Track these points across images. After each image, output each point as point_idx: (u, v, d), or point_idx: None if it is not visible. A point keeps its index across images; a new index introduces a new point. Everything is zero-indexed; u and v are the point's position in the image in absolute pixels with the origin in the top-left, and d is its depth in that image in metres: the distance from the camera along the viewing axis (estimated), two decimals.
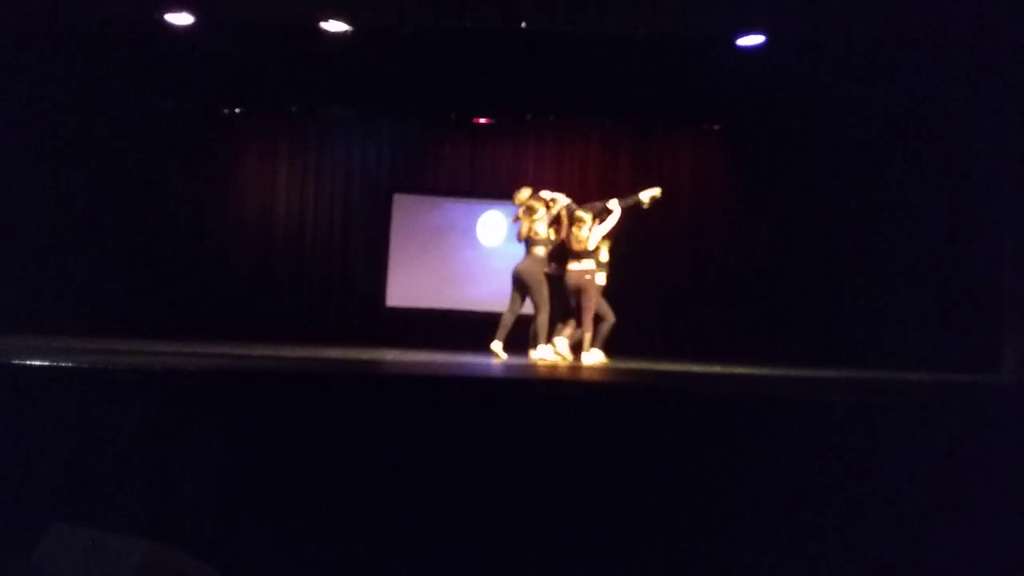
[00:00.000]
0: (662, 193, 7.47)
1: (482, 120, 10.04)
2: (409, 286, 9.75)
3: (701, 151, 9.97)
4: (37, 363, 3.52)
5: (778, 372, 6.01)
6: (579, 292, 6.60)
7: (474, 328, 9.13)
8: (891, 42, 7.55)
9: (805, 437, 3.28)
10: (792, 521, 3.18)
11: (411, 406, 3.43)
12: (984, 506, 3.12)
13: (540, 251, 6.70)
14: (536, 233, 6.70)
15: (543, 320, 6.59)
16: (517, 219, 6.98)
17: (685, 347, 8.92)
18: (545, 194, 7.10)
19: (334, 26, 7.68)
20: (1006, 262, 7.01)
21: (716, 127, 9.95)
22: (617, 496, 3.24)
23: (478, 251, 9.77)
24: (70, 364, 3.57)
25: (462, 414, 3.38)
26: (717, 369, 6.13)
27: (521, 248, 6.86)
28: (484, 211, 9.91)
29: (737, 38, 7.81)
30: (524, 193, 7.05)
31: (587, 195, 9.85)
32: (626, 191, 9.92)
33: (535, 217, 6.72)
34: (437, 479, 3.27)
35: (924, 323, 8.12)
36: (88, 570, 2.00)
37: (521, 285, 6.70)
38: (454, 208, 9.94)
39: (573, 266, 6.65)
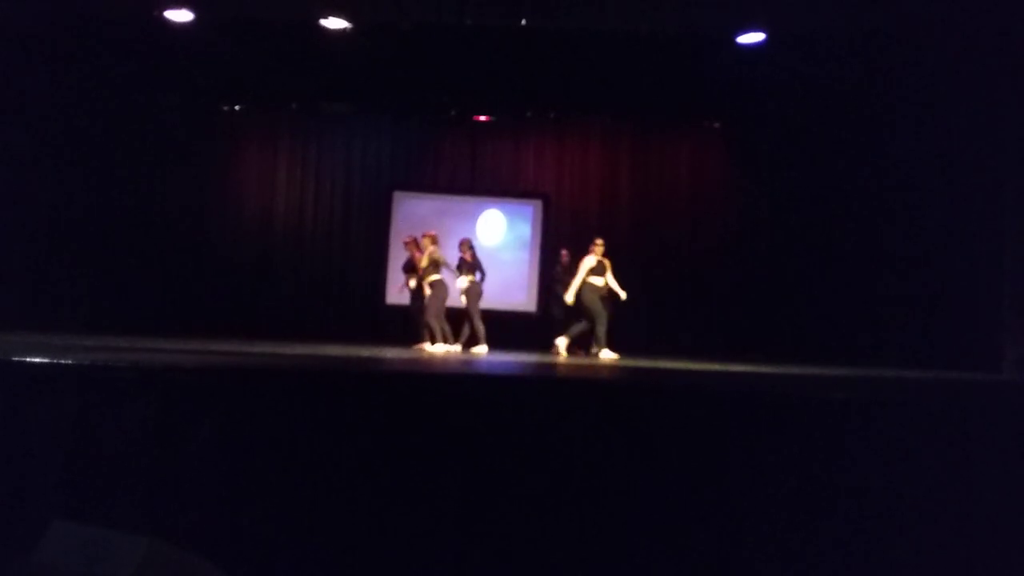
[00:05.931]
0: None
1: (482, 117, 10.03)
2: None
3: (701, 148, 9.96)
4: (38, 360, 3.52)
5: (779, 370, 6.01)
6: None
7: None
8: (891, 40, 7.55)
9: (805, 435, 3.29)
10: (791, 519, 3.18)
11: (411, 404, 3.43)
12: (985, 504, 3.12)
13: None
14: None
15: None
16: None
17: (684, 344, 8.91)
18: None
19: (334, 23, 7.69)
20: (1007, 260, 7.02)
21: (716, 125, 9.94)
22: (617, 494, 3.24)
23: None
24: (71, 361, 3.57)
25: (462, 412, 3.39)
26: (717, 367, 6.13)
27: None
28: (484, 209, 9.91)
29: (737, 36, 7.81)
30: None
31: (587, 191, 9.95)
32: (626, 188, 9.98)
33: None
34: (438, 477, 3.27)
35: (925, 321, 8.11)
36: (90, 567, 2.00)
37: None
38: (454, 206, 9.93)
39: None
